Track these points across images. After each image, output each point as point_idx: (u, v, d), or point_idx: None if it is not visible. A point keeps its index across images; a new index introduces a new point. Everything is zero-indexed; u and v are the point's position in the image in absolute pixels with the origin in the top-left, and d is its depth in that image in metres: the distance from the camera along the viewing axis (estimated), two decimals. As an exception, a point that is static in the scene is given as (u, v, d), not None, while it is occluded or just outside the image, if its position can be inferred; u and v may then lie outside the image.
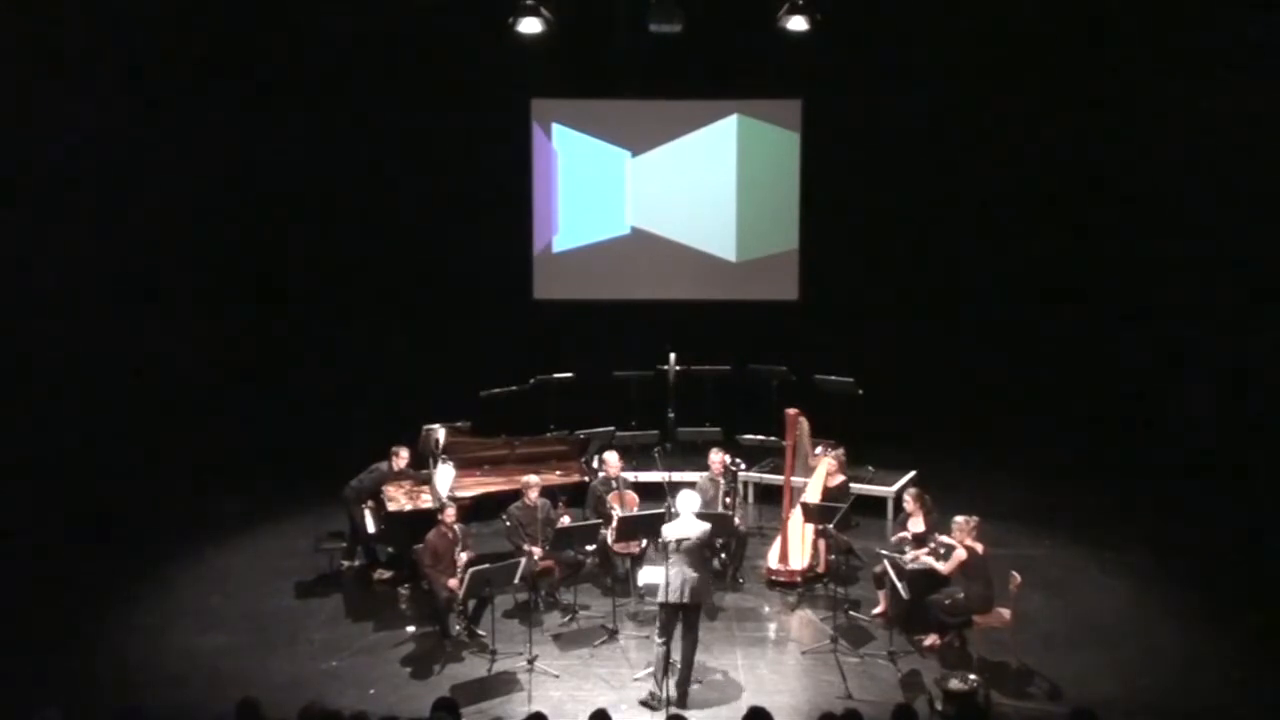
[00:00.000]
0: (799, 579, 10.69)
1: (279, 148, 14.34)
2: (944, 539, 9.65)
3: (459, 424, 11.63)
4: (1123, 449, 13.44)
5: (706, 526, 8.93)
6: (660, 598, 8.81)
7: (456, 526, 9.95)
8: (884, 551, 10.04)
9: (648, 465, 11.86)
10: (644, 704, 8.77)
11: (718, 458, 10.97)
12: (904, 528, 10.27)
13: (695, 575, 8.72)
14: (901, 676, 9.20)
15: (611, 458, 11.10)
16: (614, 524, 10.48)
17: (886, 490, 11.99)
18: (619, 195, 15.40)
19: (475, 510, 10.90)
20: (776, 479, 11.42)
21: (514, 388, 12.91)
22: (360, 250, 15.03)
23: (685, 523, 8.86)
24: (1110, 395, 14.13)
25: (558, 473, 11.55)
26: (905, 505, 10.44)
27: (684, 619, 8.75)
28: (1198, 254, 13.41)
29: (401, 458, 11.01)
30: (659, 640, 8.81)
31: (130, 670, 9.28)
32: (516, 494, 10.56)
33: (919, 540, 9.99)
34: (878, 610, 10.10)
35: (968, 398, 14.39)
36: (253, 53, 13.91)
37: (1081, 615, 10.18)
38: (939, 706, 8.55)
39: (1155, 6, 13.25)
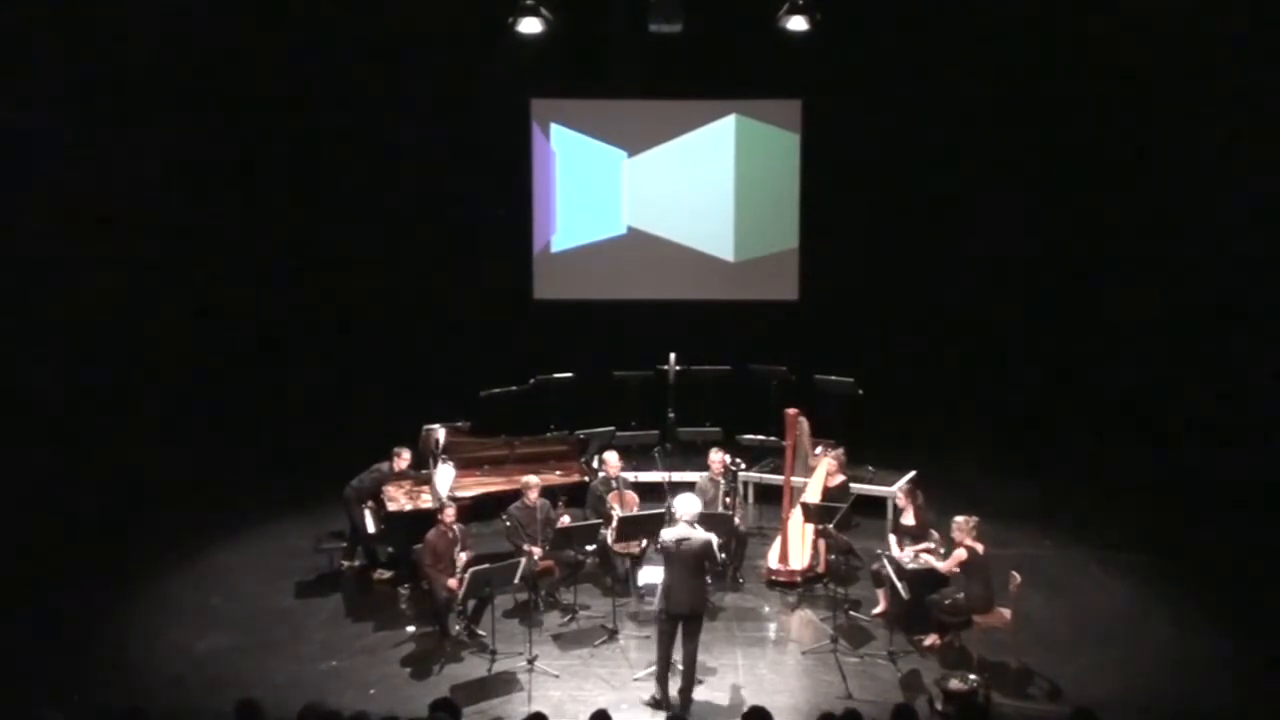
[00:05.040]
0: (799, 579, 10.69)
1: (277, 147, 14.35)
2: (935, 534, 9.70)
3: (459, 424, 11.63)
4: (1123, 449, 13.44)
5: (708, 535, 8.77)
6: (660, 605, 8.75)
7: (456, 526, 9.95)
8: (884, 552, 10.06)
9: (648, 465, 11.85)
10: (649, 705, 8.76)
11: (718, 458, 10.96)
12: (899, 525, 10.31)
13: (696, 584, 8.66)
14: (901, 676, 9.20)
15: (611, 458, 11.09)
16: (614, 524, 10.48)
17: (886, 490, 11.96)
18: (615, 196, 15.41)
19: (475, 510, 10.90)
20: (776, 479, 11.42)
21: (514, 388, 12.90)
22: (360, 250, 15.02)
23: (683, 527, 8.70)
24: (1110, 395, 14.12)
25: (558, 473, 11.55)
26: (897, 501, 10.45)
27: (684, 627, 8.69)
28: (1201, 253, 13.41)
29: (403, 458, 11.01)
30: (659, 647, 8.76)
31: (130, 670, 9.28)
32: (516, 494, 10.55)
33: (913, 535, 10.01)
34: (878, 610, 10.10)
35: (968, 397, 14.39)
36: (253, 53, 13.92)
37: (1081, 615, 10.20)
38: (939, 706, 8.58)
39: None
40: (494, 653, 9.40)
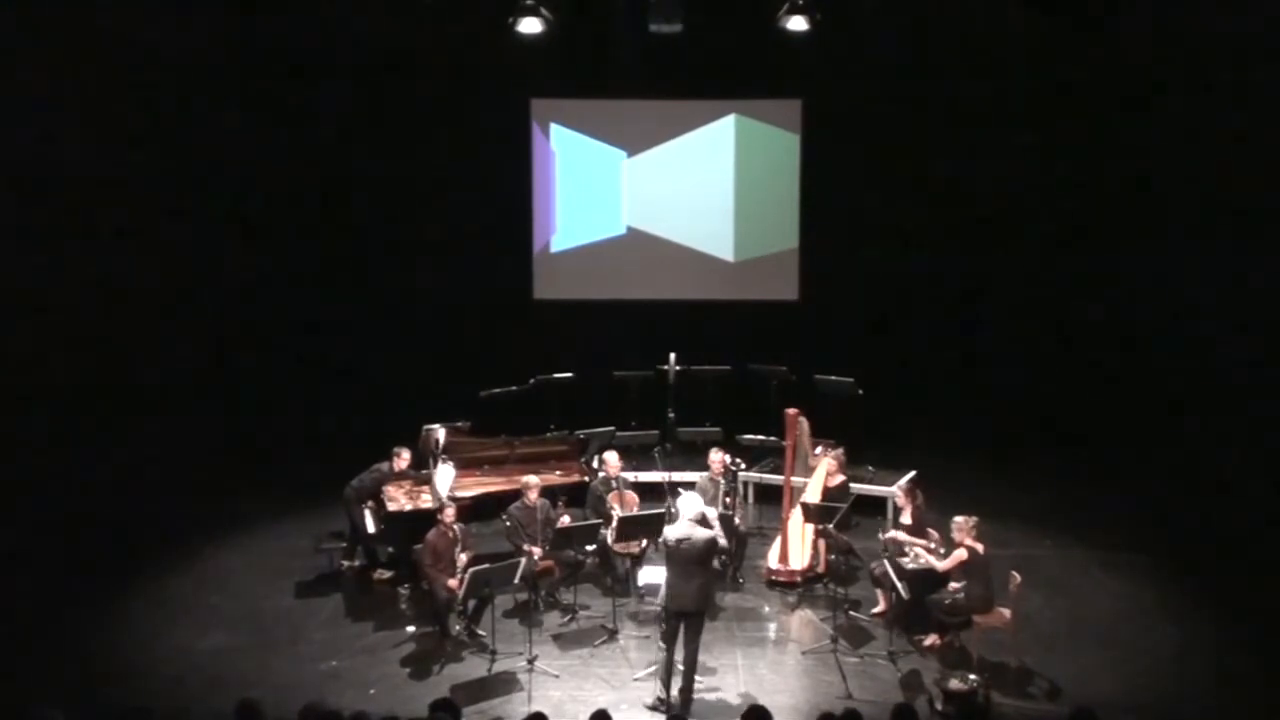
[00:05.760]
0: (799, 579, 10.69)
1: (276, 148, 14.35)
2: (934, 534, 9.69)
3: (459, 424, 11.63)
4: (1123, 449, 13.43)
5: (710, 532, 8.80)
6: (662, 602, 8.77)
7: (456, 526, 9.95)
8: (882, 551, 10.06)
9: (648, 465, 11.85)
10: (652, 708, 8.74)
11: (718, 458, 10.95)
12: (898, 525, 10.31)
13: (700, 582, 8.66)
14: (901, 676, 9.20)
15: (611, 458, 11.09)
16: (614, 524, 10.48)
17: (886, 490, 11.97)
18: (615, 196, 15.41)
19: (475, 510, 10.90)
20: (776, 479, 11.42)
21: (514, 388, 12.90)
22: (360, 249, 15.02)
23: (685, 525, 8.74)
24: (1111, 395, 14.12)
25: (558, 473, 11.56)
26: (897, 500, 10.45)
27: (687, 625, 8.70)
28: (1200, 255, 13.40)
29: (403, 458, 11.01)
30: (662, 646, 8.79)
31: (130, 670, 9.28)
32: (516, 494, 10.55)
33: (908, 532, 10.01)
34: (878, 610, 10.11)
35: (968, 397, 14.39)
36: (252, 54, 13.92)
37: (1081, 615, 10.19)
38: (939, 706, 8.57)
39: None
40: (494, 653, 9.40)
